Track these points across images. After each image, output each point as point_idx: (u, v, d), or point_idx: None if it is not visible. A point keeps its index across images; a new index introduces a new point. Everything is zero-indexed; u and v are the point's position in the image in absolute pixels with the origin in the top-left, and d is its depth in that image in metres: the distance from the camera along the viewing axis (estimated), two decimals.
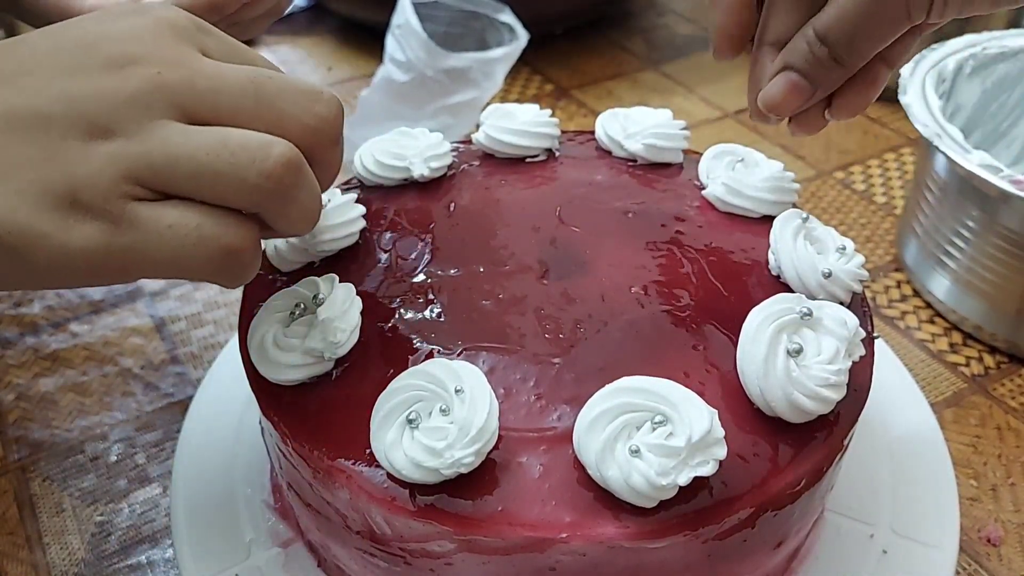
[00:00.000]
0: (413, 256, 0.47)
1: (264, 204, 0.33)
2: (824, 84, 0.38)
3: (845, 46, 0.37)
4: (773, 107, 0.39)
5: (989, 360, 0.63)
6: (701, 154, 0.52)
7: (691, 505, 0.35)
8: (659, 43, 1.08)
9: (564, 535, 0.34)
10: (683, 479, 0.33)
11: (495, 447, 0.36)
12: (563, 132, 0.56)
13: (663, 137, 0.53)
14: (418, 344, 0.41)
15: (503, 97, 0.94)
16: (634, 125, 0.54)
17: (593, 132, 0.56)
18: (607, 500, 0.35)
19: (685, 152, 0.54)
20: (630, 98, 0.96)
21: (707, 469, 0.34)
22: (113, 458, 0.56)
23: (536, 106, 0.55)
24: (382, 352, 0.41)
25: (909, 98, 0.64)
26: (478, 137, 0.54)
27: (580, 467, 0.35)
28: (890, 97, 0.75)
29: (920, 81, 0.66)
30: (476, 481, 0.35)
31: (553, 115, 0.55)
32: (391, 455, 0.35)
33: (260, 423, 0.43)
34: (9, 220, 0.30)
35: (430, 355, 0.41)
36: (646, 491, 0.34)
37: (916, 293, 0.69)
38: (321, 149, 0.35)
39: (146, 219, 0.31)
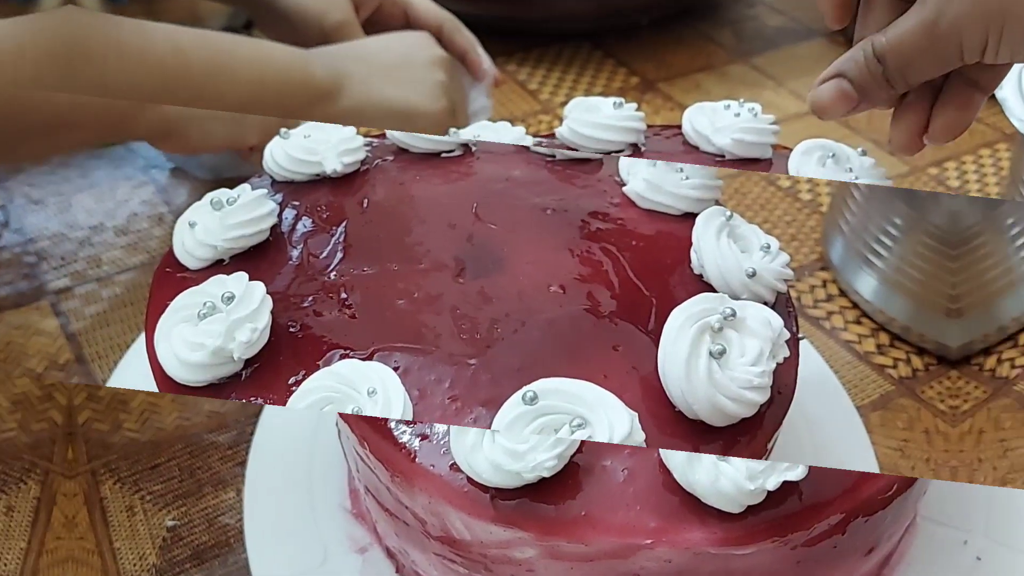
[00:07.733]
0: (325, 254, 0.45)
1: None
2: (871, 99, 0.40)
3: (897, 70, 0.38)
4: (820, 109, 0.41)
5: (917, 362, 0.61)
6: (791, 149, 0.51)
7: (780, 510, 0.34)
8: (748, 35, 1.05)
9: (649, 541, 0.34)
10: (772, 483, 0.33)
11: (578, 451, 0.35)
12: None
13: (752, 132, 0.51)
14: (330, 344, 0.40)
15: (588, 90, 0.93)
16: (721, 120, 0.52)
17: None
18: (692, 505, 0.34)
19: (774, 148, 0.52)
20: (718, 91, 0.93)
21: (796, 473, 0.33)
22: (186, 460, 0.56)
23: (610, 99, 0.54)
24: (293, 353, 0.40)
25: None
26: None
27: (666, 471, 0.35)
28: None
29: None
30: (559, 485, 0.35)
31: (639, 108, 0.54)
32: (471, 459, 0.34)
33: (337, 425, 0.43)
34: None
35: (342, 356, 0.39)
36: (733, 495, 0.33)
37: (842, 293, 0.66)
38: None
39: None
